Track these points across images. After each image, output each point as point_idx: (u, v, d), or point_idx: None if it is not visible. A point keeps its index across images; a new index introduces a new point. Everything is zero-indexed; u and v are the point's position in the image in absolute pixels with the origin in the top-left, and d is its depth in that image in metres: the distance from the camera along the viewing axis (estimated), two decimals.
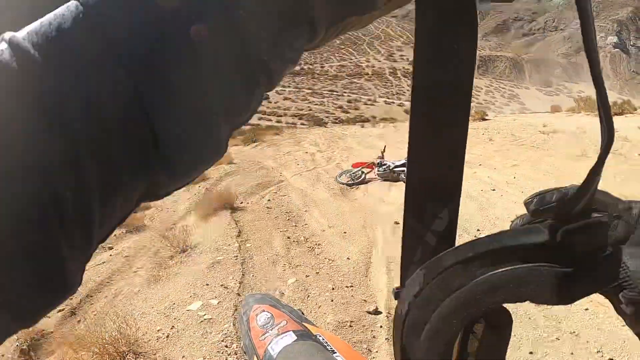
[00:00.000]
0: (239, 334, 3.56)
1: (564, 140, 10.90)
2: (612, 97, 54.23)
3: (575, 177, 5.84)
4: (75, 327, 4.57)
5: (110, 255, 6.45)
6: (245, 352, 2.42)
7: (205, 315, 4.10)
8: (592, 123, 14.49)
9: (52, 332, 4.55)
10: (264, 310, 2.13)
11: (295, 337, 1.81)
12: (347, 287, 4.66)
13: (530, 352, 3.47)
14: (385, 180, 9.02)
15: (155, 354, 3.63)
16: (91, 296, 5.27)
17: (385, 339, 3.77)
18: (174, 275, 5.20)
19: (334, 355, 1.76)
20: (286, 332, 1.87)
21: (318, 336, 1.93)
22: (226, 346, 3.62)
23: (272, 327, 1.99)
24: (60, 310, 4.97)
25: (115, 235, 7.15)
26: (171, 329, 3.97)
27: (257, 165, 12.02)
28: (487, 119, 19.19)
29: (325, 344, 1.86)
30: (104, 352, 3.46)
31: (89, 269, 5.87)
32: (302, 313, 2.33)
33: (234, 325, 3.91)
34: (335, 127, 28.88)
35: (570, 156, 9.40)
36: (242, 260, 5.37)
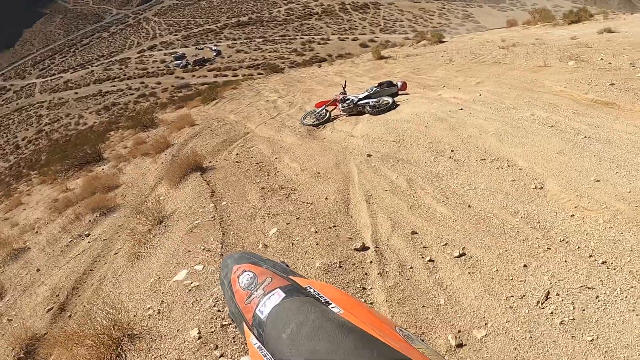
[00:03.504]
0: (224, 314, 3.45)
1: (523, 52, 10.82)
2: (567, 6, 54.62)
3: (539, 85, 5.78)
4: (67, 323, 4.43)
5: (89, 242, 6.25)
6: (233, 320, 2.25)
7: (192, 283, 3.96)
8: (549, 34, 14.50)
9: (45, 334, 4.40)
10: (245, 270, 1.94)
11: (284, 295, 1.67)
12: (330, 227, 4.57)
13: (524, 265, 3.44)
14: (350, 115, 8.91)
15: (149, 333, 3.48)
16: (77, 288, 5.11)
17: (378, 274, 3.70)
18: (155, 248, 5.03)
19: (330, 306, 1.62)
20: (273, 290, 1.72)
21: (308, 288, 1.76)
22: (219, 311, 3.51)
23: (257, 287, 1.80)
24: (49, 310, 4.81)
25: (89, 221, 6.90)
26: (161, 304, 3.83)
27: (220, 122, 11.72)
28: (444, 41, 19.02)
29: (318, 296, 1.71)
30: (99, 343, 3.32)
31: (70, 261, 5.63)
32: (287, 265, 2.17)
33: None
34: (293, 71, 28.40)
35: (532, 68, 9.35)
36: (220, 219, 5.23)
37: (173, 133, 12.15)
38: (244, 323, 1.74)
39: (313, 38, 76.55)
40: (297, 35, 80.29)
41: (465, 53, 13.36)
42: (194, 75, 65.09)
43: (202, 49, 78.13)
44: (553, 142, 5.32)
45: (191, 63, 70.67)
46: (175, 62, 72.63)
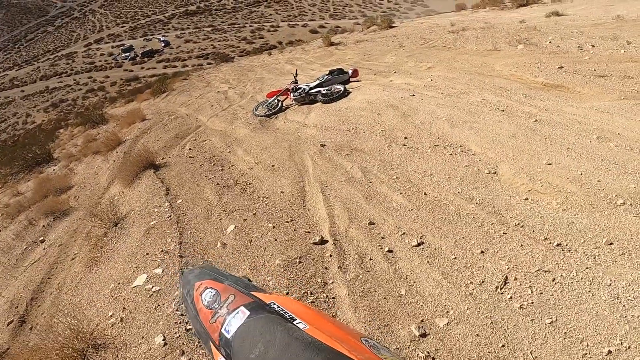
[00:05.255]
0: (187, 317, 3.39)
1: (473, 36, 11.04)
2: None
3: (490, 69, 5.92)
4: (29, 337, 4.25)
5: (44, 248, 6.02)
6: (198, 338, 2.24)
7: (153, 287, 3.88)
8: (498, 17, 14.86)
9: (8, 350, 4.21)
10: (207, 287, 1.93)
11: (248, 312, 1.69)
12: (287, 222, 4.56)
13: (482, 251, 3.53)
14: (302, 104, 8.91)
15: (114, 342, 3.40)
16: (35, 298, 4.91)
17: (338, 267, 3.72)
18: (112, 252, 4.89)
19: (295, 322, 1.63)
20: (237, 308, 1.74)
21: (272, 304, 1.77)
22: (182, 314, 3.45)
23: (220, 305, 1.80)
24: (9, 323, 4.61)
25: (43, 226, 6.65)
26: (123, 311, 3.74)
27: (171, 115, 11.48)
28: (394, 26, 19.17)
29: (282, 312, 1.72)
30: (64, 356, 3.22)
31: (26, 270, 5.43)
32: (249, 280, 2.16)
33: None
34: (243, 60, 28.04)
35: (481, 52, 9.56)
36: (177, 218, 5.14)
37: (124, 129, 11.84)
38: (211, 342, 1.74)
39: (263, 25, 76.12)
40: (247, 23, 79.76)
41: (415, 38, 13.53)
42: (142, 68, 63.72)
43: (150, 40, 76.68)
44: (505, 127, 5.46)
45: (139, 55, 69.17)
46: (123, 55, 70.98)
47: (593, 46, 7.88)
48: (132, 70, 63.57)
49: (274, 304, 1.77)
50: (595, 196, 3.89)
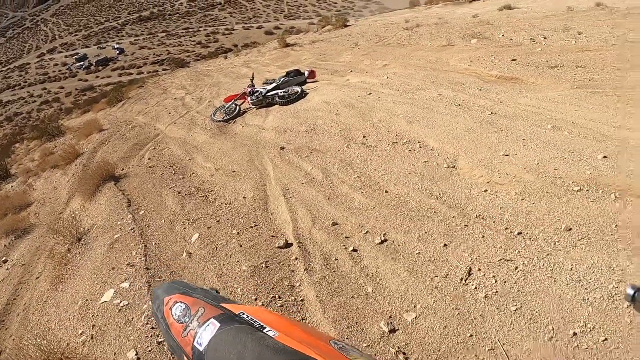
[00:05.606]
0: (159, 331, 3.35)
1: (427, 33, 11.24)
2: None
3: (444, 65, 6.04)
4: None
5: (7, 269, 5.82)
6: (172, 353, 2.25)
7: (121, 302, 3.82)
8: (451, 12, 15.16)
9: None
10: (176, 302, 1.94)
11: (219, 324, 1.70)
12: (251, 227, 4.55)
13: (445, 245, 3.60)
14: (260, 107, 8.90)
15: None
16: (2, 321, 4.74)
17: (304, 270, 3.73)
18: (77, 268, 4.77)
19: (265, 331, 1.65)
20: (207, 320, 1.75)
21: (241, 314, 1.79)
22: (152, 328, 3.41)
23: (191, 318, 1.82)
24: None
25: (5, 245, 6.45)
26: (92, 328, 3.67)
27: (128, 125, 11.27)
28: (349, 25, 19.34)
29: (252, 321, 1.74)
30: None
31: None
32: (217, 291, 2.17)
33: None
34: (199, 65, 27.80)
35: (436, 47, 9.74)
36: (140, 230, 5.06)
37: (81, 140, 11.58)
38: (184, 356, 1.75)
39: (217, 29, 75.89)
40: (201, 27, 79.49)
41: (370, 36, 13.68)
42: (97, 76, 62.85)
43: (104, 48, 75.96)
44: (461, 121, 5.58)
45: (94, 64, 68.31)
46: (78, 64, 69.97)
47: (545, 38, 8.13)
48: (87, 80, 62.65)
49: (244, 314, 1.79)
50: (552, 184, 4.02)
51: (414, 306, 3.14)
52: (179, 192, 5.82)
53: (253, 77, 9.70)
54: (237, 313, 1.80)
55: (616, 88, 5.84)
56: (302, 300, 3.45)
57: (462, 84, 6.87)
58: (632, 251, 3.18)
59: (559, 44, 7.67)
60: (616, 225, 3.46)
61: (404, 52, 10.15)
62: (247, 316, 1.77)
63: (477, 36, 9.35)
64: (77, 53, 75.46)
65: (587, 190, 3.86)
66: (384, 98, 7.06)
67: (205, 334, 1.68)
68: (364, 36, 14.02)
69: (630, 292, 0.84)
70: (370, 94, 7.46)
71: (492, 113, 5.58)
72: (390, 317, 3.10)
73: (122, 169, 7.49)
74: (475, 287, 3.16)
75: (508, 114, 5.47)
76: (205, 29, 77.18)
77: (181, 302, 1.92)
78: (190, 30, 78.62)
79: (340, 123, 6.53)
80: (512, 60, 7.26)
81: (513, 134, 4.98)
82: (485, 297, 3.06)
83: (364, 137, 5.85)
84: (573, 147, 4.52)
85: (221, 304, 1.92)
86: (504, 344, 2.73)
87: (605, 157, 4.27)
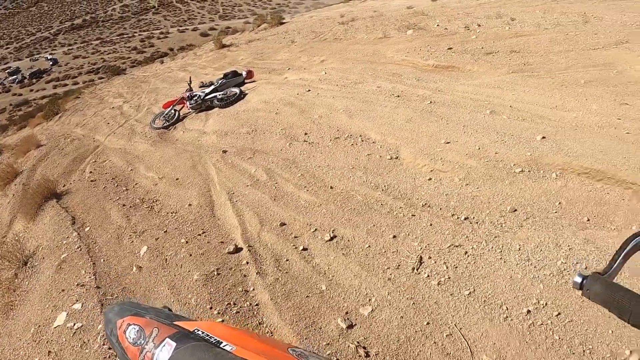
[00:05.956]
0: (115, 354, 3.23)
1: (363, 26, 11.38)
2: None
3: (382, 57, 6.11)
4: None
5: None
6: None
7: (75, 325, 3.66)
8: (386, 5, 15.39)
9: None
10: (130, 324, 1.90)
11: (174, 344, 1.67)
12: (199, 235, 4.47)
13: (394, 236, 3.63)
14: (199, 111, 8.79)
15: None
16: None
17: (256, 273, 3.68)
18: (26, 294, 4.54)
19: (222, 346, 1.63)
20: (162, 340, 1.72)
21: (196, 331, 1.77)
22: (109, 348, 3.29)
23: (146, 340, 1.78)
24: None
25: None
26: (49, 354, 3.50)
27: (67, 138, 10.83)
28: (284, 22, 19.34)
29: (207, 337, 1.72)
30: None
31: None
32: (170, 309, 2.14)
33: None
34: (135, 71, 27.11)
35: (372, 40, 9.86)
36: (87, 248, 4.85)
37: (19, 158, 11.06)
38: None
39: (152, 33, 74.48)
40: (136, 32, 77.81)
41: (306, 32, 13.72)
42: (32, 90, 60.60)
43: (37, 59, 73.12)
44: (401, 111, 5.65)
45: (27, 76, 65.75)
46: (10, 78, 67.34)
47: (479, 25, 8.37)
48: (21, 94, 60.38)
49: (199, 330, 1.77)
50: (494, 167, 4.13)
51: (369, 300, 3.16)
52: (124, 205, 5.66)
53: (191, 81, 9.55)
54: (192, 330, 1.78)
55: (550, 71, 6.07)
56: (257, 305, 3.41)
57: (400, 75, 6.98)
58: (576, 226, 3.31)
59: (493, 30, 7.90)
60: (559, 203, 3.59)
61: (340, 47, 10.22)
62: (202, 332, 1.75)
63: (412, 27, 9.52)
64: (10, 67, 72.67)
65: (529, 171, 3.99)
66: (323, 94, 7.08)
67: (162, 354, 1.65)
68: (300, 33, 14.04)
69: (578, 280, 0.89)
70: (309, 90, 7.47)
71: (431, 102, 5.69)
72: (346, 313, 3.10)
73: (64, 185, 7.21)
74: (428, 275, 3.20)
75: (447, 102, 5.59)
76: (140, 34, 75.67)
77: (134, 324, 1.87)
78: (125, 36, 76.95)
79: (281, 122, 6.51)
80: (448, 49, 7.43)
81: (453, 122, 5.08)
82: (439, 284, 3.11)
83: (305, 134, 5.85)
84: (512, 131, 4.66)
85: (175, 322, 1.89)
86: (460, 329, 2.78)
87: (544, 137, 4.42)
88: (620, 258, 0.99)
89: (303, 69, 9.26)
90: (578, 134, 4.44)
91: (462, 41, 7.66)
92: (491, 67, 6.52)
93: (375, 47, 9.07)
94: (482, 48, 7.16)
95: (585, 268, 3.00)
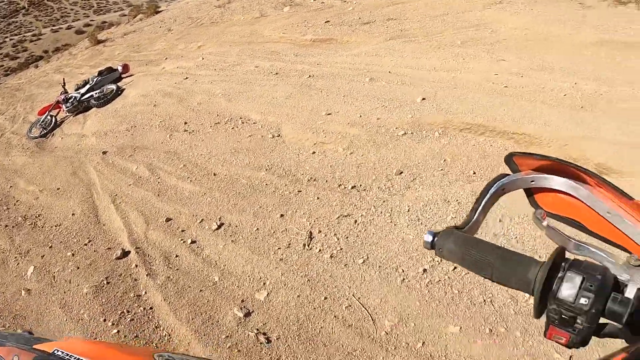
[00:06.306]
0: None
1: (239, 7, 11.21)
2: None
3: (259, 37, 5.99)
4: None
5: None
6: None
7: None
8: None
9: None
10: None
11: None
12: (85, 245, 4.19)
13: (281, 215, 3.56)
14: (77, 113, 8.31)
15: None
16: None
17: (147, 275, 3.50)
18: None
19: None
20: None
21: (56, 352, 1.64)
22: None
23: None
24: None
25: None
26: None
27: None
28: (160, 11, 18.74)
29: (67, 357, 1.60)
30: None
31: None
32: (31, 332, 1.98)
33: None
34: (9, 80, 25.21)
35: (249, 21, 9.73)
36: None
37: None
38: None
39: (24, 36, 69.51)
40: (6, 37, 72.15)
41: (183, 19, 13.35)
42: None
43: None
44: (280, 89, 5.59)
45: None
46: None
47: None
48: None
49: (58, 350, 1.64)
50: (377, 133, 4.16)
51: (264, 284, 3.08)
52: (6, 226, 5.21)
53: (64, 83, 9.02)
54: (51, 352, 1.65)
55: (427, 35, 6.23)
56: (151, 309, 3.24)
57: (278, 52, 6.91)
58: (463, 181, 3.40)
59: (370, 0, 7.99)
60: (444, 160, 3.67)
61: (217, 30, 10.00)
62: (62, 352, 1.63)
63: (289, 4, 9.47)
64: None
65: (412, 132, 4.05)
66: (201, 80, 6.89)
67: None
68: (176, 20, 13.64)
69: (429, 238, 0.76)
70: (187, 78, 7.24)
71: (310, 76, 5.66)
72: (242, 301, 3.01)
73: None
74: (320, 250, 3.17)
75: (326, 75, 5.58)
76: (11, 39, 70.43)
77: None
78: None
79: (160, 114, 6.26)
80: (325, 22, 7.44)
81: (333, 93, 5.08)
82: (331, 257, 3.08)
83: (185, 123, 5.66)
84: (392, 95, 4.72)
85: (34, 346, 1.75)
86: (359, 298, 2.77)
87: (424, 99, 4.51)
88: (479, 208, 0.89)
89: (181, 57, 8.98)
90: (457, 92, 4.57)
91: (339, 13, 7.70)
92: (369, 36, 6.60)
93: (253, 27, 8.95)
94: (360, 18, 7.24)
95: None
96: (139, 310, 3.25)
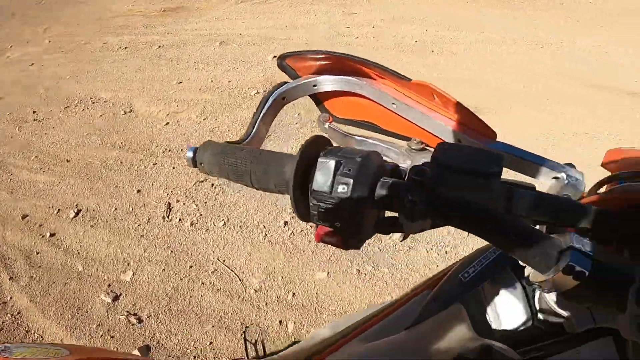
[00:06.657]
0: None
1: None
2: None
3: (108, 12, 5.78)
4: None
5: None
6: None
7: None
8: None
9: None
10: None
11: None
12: None
13: (138, 190, 3.55)
14: None
15: None
16: None
17: (9, 279, 3.33)
18: None
19: None
20: None
21: None
22: None
23: None
24: None
25: None
26: None
27: None
28: None
29: None
30: None
31: None
32: None
33: None
34: None
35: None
36: None
37: None
38: None
39: None
40: None
41: (30, 3, 12.47)
42: None
43: None
44: (130, 63, 5.45)
45: None
46: None
47: None
48: None
49: None
50: (230, 96, 4.22)
51: (128, 264, 3.09)
52: None
53: None
54: None
55: None
56: (19, 313, 3.13)
57: (127, 26, 6.70)
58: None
59: None
60: (298, 114, 3.81)
61: (64, 11, 9.45)
62: None
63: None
64: None
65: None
66: (48, 64, 6.53)
67: None
68: (24, 4, 12.71)
69: (190, 154, 0.72)
70: (32, 64, 6.83)
71: (159, 47, 5.57)
72: (109, 285, 3.01)
73: None
74: (180, 219, 3.22)
75: (176, 43, 5.51)
76: None
77: None
78: None
79: (7, 106, 5.89)
80: None
81: (183, 61, 5.05)
82: (192, 224, 3.14)
83: (34, 112, 5.37)
84: (243, 57, 4.77)
85: None
86: (224, 261, 2.86)
87: (275, 56, 4.59)
88: (258, 120, 0.85)
89: (26, 43, 8.40)
90: (309, 48, 4.68)
91: None
92: (220, 1, 6.55)
93: (101, 3, 8.55)
94: None
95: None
96: (7, 318, 3.14)
